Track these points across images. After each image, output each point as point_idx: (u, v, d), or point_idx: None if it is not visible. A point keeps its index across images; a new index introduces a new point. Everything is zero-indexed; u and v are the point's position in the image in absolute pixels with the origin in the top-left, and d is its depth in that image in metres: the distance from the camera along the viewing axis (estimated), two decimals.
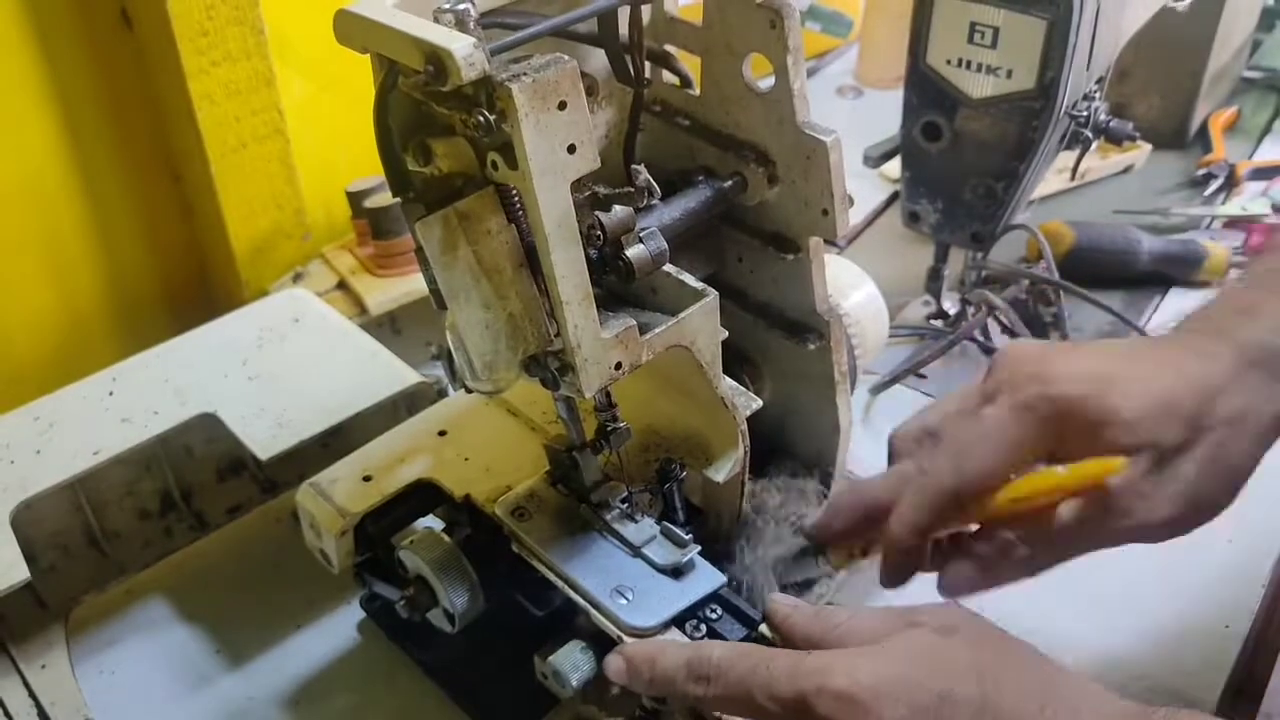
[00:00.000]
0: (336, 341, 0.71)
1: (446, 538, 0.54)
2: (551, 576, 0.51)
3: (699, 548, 0.50)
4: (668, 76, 0.55)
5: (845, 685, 0.40)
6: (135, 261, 0.87)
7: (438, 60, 0.37)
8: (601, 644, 0.49)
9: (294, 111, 0.83)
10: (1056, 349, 0.49)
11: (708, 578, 0.50)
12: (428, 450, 0.59)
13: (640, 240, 0.45)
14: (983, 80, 0.68)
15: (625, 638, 0.48)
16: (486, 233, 0.43)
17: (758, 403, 0.54)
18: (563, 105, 0.39)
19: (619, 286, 0.48)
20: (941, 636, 0.42)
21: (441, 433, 0.60)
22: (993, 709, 0.40)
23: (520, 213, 0.44)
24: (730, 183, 0.53)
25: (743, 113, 0.52)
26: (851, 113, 1.11)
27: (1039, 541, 0.46)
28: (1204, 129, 1.01)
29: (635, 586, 0.49)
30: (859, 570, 0.60)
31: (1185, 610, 0.61)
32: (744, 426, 0.53)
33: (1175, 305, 0.84)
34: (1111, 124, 0.74)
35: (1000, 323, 0.81)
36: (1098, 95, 0.73)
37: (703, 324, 0.48)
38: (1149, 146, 0.98)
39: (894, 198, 0.93)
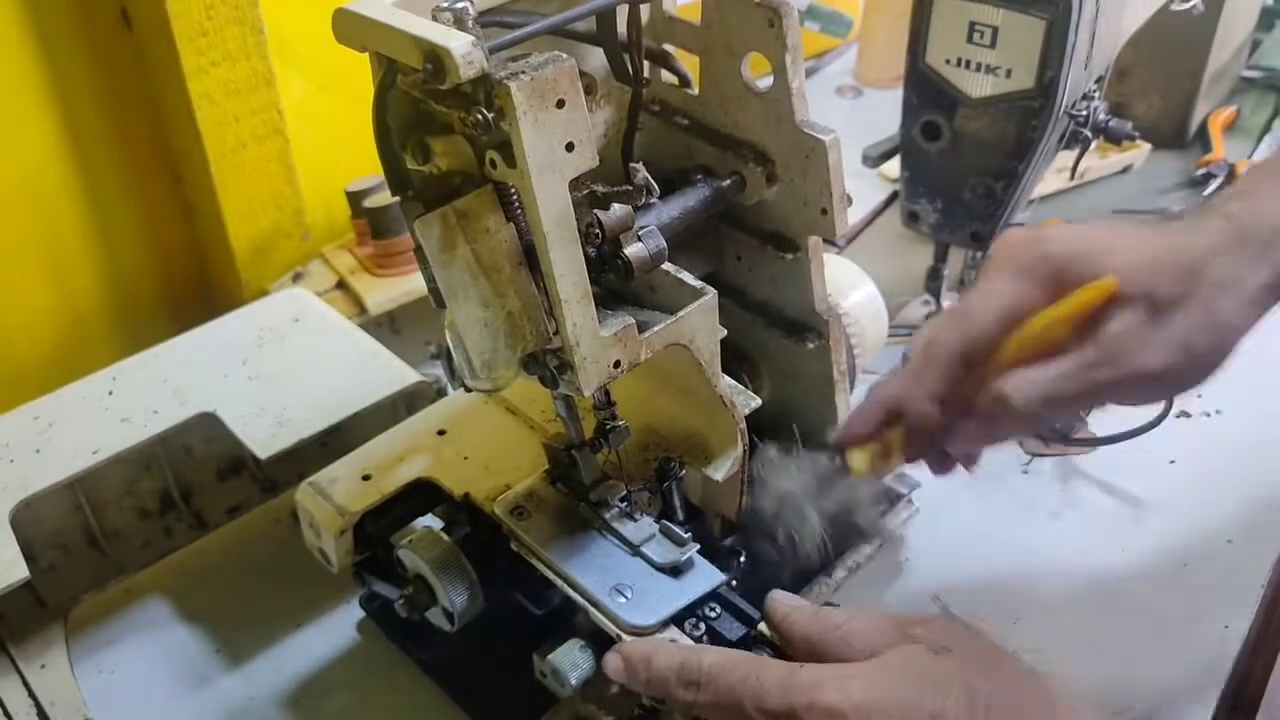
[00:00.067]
0: (336, 341, 0.71)
1: (445, 537, 0.54)
2: (551, 575, 0.51)
3: (698, 546, 0.50)
4: (666, 75, 0.55)
5: (836, 702, 0.40)
6: (135, 261, 0.87)
7: (436, 59, 0.37)
8: (601, 643, 0.48)
9: (293, 111, 0.83)
10: (1047, 225, 0.50)
11: (707, 576, 0.50)
12: (427, 449, 0.59)
13: (639, 239, 0.45)
14: (982, 80, 0.68)
15: (624, 636, 0.48)
16: (485, 231, 0.43)
17: (756, 401, 0.54)
18: (561, 103, 0.39)
19: (618, 285, 0.48)
20: (936, 655, 0.42)
21: (441, 432, 0.60)
22: None
23: (519, 211, 0.44)
24: (729, 182, 0.53)
25: (741, 112, 0.52)
26: (851, 112, 1.11)
27: (1039, 388, 0.46)
28: (1203, 128, 1.01)
29: (634, 585, 0.49)
30: (860, 569, 0.60)
31: (1185, 610, 0.60)
32: (743, 425, 0.53)
33: None
34: (1111, 123, 0.74)
35: None
36: (1097, 95, 0.73)
37: (701, 322, 0.48)
38: (1148, 146, 0.98)
39: (893, 197, 0.93)
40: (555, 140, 0.39)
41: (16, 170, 0.78)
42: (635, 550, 0.51)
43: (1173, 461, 0.70)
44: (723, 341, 0.51)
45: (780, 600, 0.47)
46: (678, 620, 0.48)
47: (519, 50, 0.40)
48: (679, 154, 0.56)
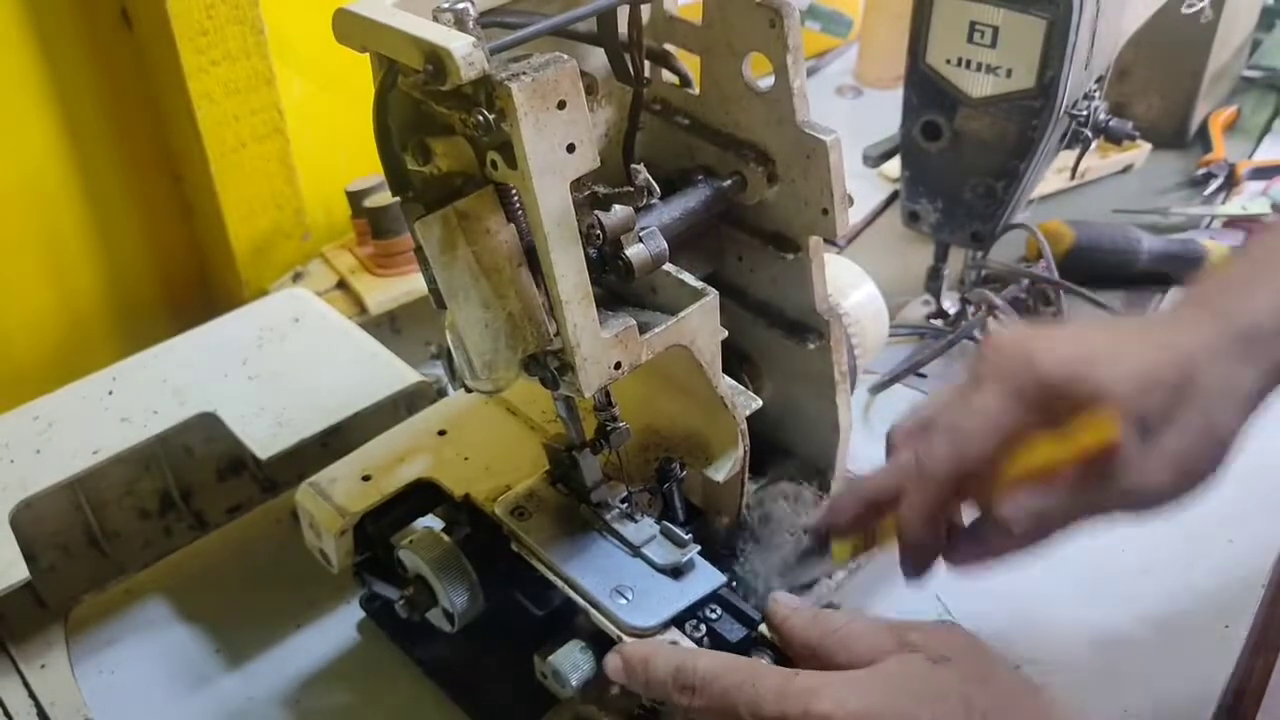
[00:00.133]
0: (337, 341, 0.71)
1: (446, 537, 0.54)
2: (551, 576, 0.51)
3: (699, 547, 0.50)
4: (667, 75, 0.55)
5: (830, 710, 0.40)
6: (135, 261, 0.87)
7: (437, 59, 0.37)
8: (601, 644, 0.48)
9: (293, 111, 0.83)
10: (1039, 332, 0.49)
11: (707, 577, 0.50)
12: (427, 449, 0.59)
13: (640, 240, 0.45)
14: (982, 79, 0.68)
15: (625, 637, 0.48)
16: (486, 232, 0.43)
17: (757, 402, 0.54)
18: (562, 104, 0.39)
19: (619, 286, 0.48)
20: (934, 664, 0.42)
21: (441, 432, 0.60)
22: None
23: (520, 212, 0.44)
24: (730, 182, 0.53)
25: (742, 112, 0.52)
26: (851, 112, 1.11)
27: (1035, 515, 0.46)
28: (1204, 128, 1.01)
29: (635, 586, 0.49)
30: (860, 568, 0.61)
31: (1185, 610, 0.60)
32: (744, 426, 0.53)
33: None
34: (1111, 123, 0.74)
35: (1000, 322, 0.81)
36: (1097, 94, 0.73)
37: (702, 323, 0.48)
38: (1149, 146, 0.98)
39: (894, 197, 0.93)
40: (556, 141, 0.39)
41: (16, 170, 0.77)
42: (636, 551, 0.51)
43: None
44: (724, 342, 0.51)
45: (781, 602, 0.47)
46: (678, 622, 0.48)
47: (520, 51, 0.40)
48: (680, 154, 0.56)
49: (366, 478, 0.57)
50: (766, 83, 0.50)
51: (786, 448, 0.63)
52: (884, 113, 0.78)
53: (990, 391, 0.46)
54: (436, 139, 0.42)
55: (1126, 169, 0.98)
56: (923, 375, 0.78)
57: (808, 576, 0.55)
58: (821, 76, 1.17)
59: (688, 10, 0.54)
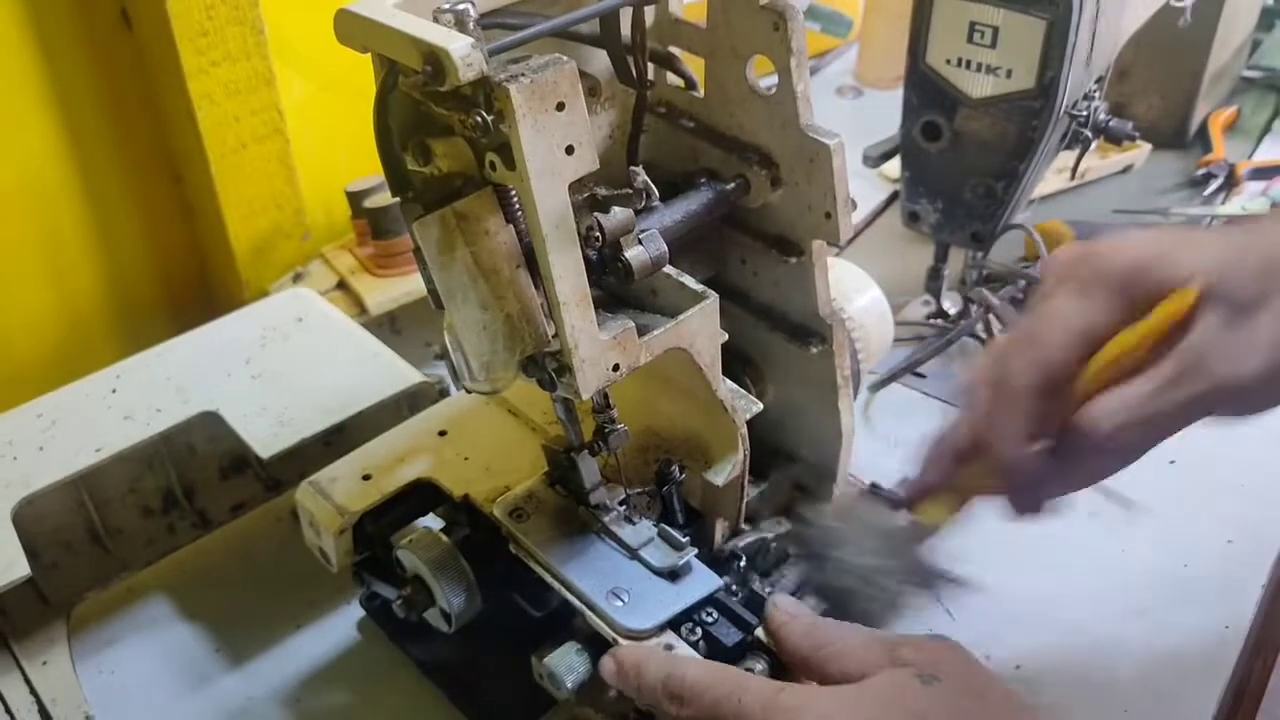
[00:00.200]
0: (339, 341, 0.71)
1: (444, 537, 0.54)
2: (548, 578, 0.51)
3: (696, 550, 0.50)
4: (672, 78, 0.55)
5: None
6: (135, 261, 0.87)
7: (436, 60, 0.37)
8: (598, 646, 0.48)
9: (294, 111, 0.83)
10: (1105, 237, 0.46)
11: (704, 581, 0.50)
12: (427, 450, 0.59)
13: (640, 242, 0.45)
14: (982, 80, 0.68)
15: (620, 640, 0.48)
16: (484, 233, 0.43)
17: (758, 406, 0.54)
18: (561, 106, 0.39)
19: (619, 288, 0.48)
20: (923, 683, 0.41)
21: (442, 432, 0.60)
22: None
23: (518, 213, 0.44)
24: (733, 185, 0.53)
25: (746, 115, 0.52)
26: (851, 113, 1.11)
27: (1122, 418, 0.41)
28: (1204, 128, 1.01)
29: (631, 589, 0.49)
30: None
31: (1185, 610, 0.61)
32: (744, 430, 0.53)
33: None
34: (1111, 123, 0.74)
35: (1000, 321, 0.81)
36: (1097, 95, 0.73)
37: (702, 326, 0.48)
38: (1149, 146, 0.98)
39: (894, 198, 0.93)
40: (555, 143, 0.39)
41: (16, 170, 0.78)
42: (633, 554, 0.51)
43: (1173, 461, 0.70)
44: (726, 345, 0.50)
45: (779, 607, 0.47)
46: (674, 624, 0.48)
47: (520, 52, 0.40)
48: (684, 157, 0.56)
49: (367, 477, 0.57)
50: (769, 82, 0.50)
51: (788, 452, 0.63)
52: (884, 113, 0.78)
53: (1062, 294, 0.43)
54: (437, 140, 0.42)
55: (1126, 169, 0.98)
56: (921, 375, 0.78)
57: (905, 559, 0.51)
58: (821, 77, 1.17)
59: (692, 12, 0.54)
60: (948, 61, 0.68)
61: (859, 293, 0.70)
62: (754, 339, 0.59)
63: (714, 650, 0.48)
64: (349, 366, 0.68)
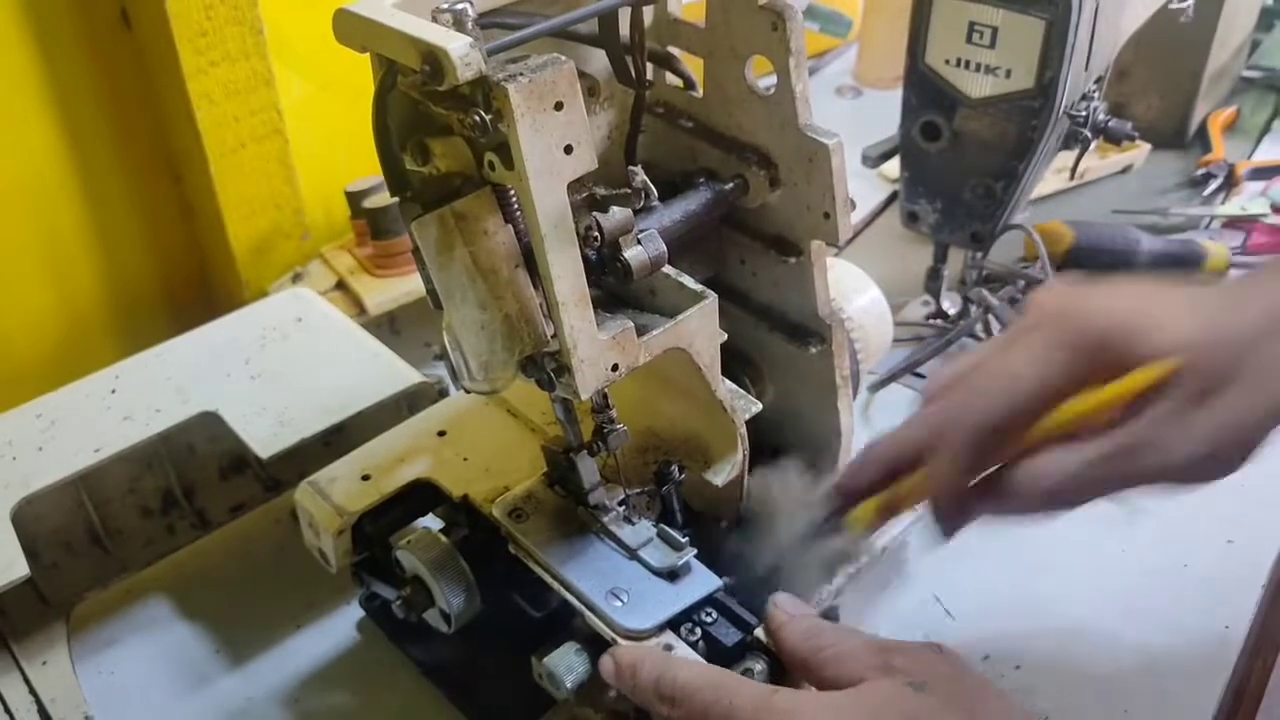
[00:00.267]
0: (339, 341, 0.71)
1: (443, 538, 0.54)
2: (547, 578, 0.51)
3: (695, 551, 0.50)
4: (671, 78, 0.55)
5: None
6: (135, 261, 0.87)
7: (434, 60, 0.38)
8: (597, 646, 0.48)
9: (293, 111, 0.83)
10: (1088, 287, 0.46)
11: (703, 581, 0.49)
12: (427, 450, 0.59)
13: (639, 242, 0.45)
14: (981, 80, 0.68)
15: (619, 640, 0.48)
16: (483, 233, 0.43)
17: (757, 406, 0.54)
18: (559, 106, 0.39)
19: (618, 288, 0.48)
20: (914, 690, 0.41)
21: (441, 433, 0.60)
22: None
23: (517, 213, 0.44)
24: (731, 185, 0.53)
25: (745, 115, 0.52)
26: (850, 113, 1.11)
27: (1059, 477, 0.43)
28: (1203, 129, 1.01)
29: (631, 589, 0.49)
30: (881, 533, 0.56)
31: (1185, 610, 0.61)
32: (743, 430, 0.53)
33: None
34: (1110, 124, 0.74)
35: (999, 321, 0.81)
36: (1096, 95, 0.73)
37: (701, 326, 0.48)
38: (1148, 146, 0.98)
39: (893, 198, 0.93)
40: (553, 143, 0.39)
41: (16, 170, 0.78)
42: (632, 554, 0.51)
43: None
44: (725, 345, 0.50)
45: (780, 606, 0.47)
46: (674, 625, 0.48)
47: (519, 52, 0.40)
48: (683, 157, 0.56)
49: (366, 477, 0.57)
50: (768, 83, 0.50)
51: (788, 452, 0.62)
52: (883, 113, 0.78)
53: (1035, 341, 0.43)
54: (435, 139, 0.42)
55: (1126, 169, 0.98)
56: (921, 375, 0.78)
57: (826, 553, 0.51)
58: (821, 77, 1.17)
59: (690, 12, 0.54)
60: (947, 61, 0.68)
61: (858, 293, 0.70)
62: (753, 339, 0.59)
63: (713, 650, 0.48)
64: (348, 366, 0.68)
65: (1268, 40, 1.11)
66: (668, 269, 0.48)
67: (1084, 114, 0.71)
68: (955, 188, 0.73)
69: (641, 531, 0.51)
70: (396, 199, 0.44)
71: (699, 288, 0.49)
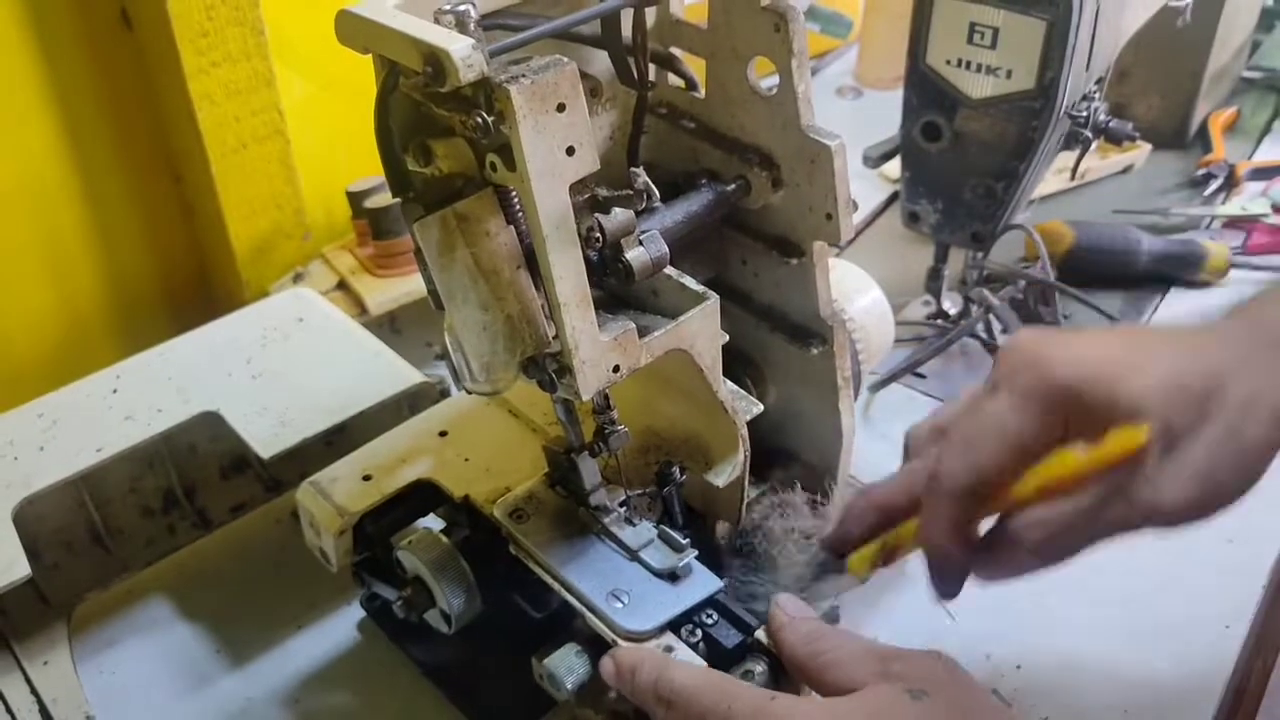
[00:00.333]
0: (340, 341, 0.71)
1: (444, 538, 0.54)
2: (548, 579, 0.51)
3: (696, 552, 0.50)
4: (673, 79, 0.55)
5: None
6: (135, 262, 0.87)
7: (436, 61, 0.38)
8: (597, 647, 0.48)
9: (294, 112, 0.83)
10: (1058, 336, 0.47)
11: (704, 582, 0.49)
12: (428, 450, 0.59)
13: (640, 243, 0.45)
14: (982, 80, 0.68)
15: (620, 641, 0.48)
16: (485, 234, 0.43)
17: (758, 407, 0.54)
18: (561, 107, 0.39)
19: (620, 289, 0.48)
20: (913, 698, 0.41)
21: (442, 433, 0.60)
22: None
23: (519, 214, 0.44)
24: (734, 186, 0.53)
25: (747, 116, 0.52)
26: (851, 113, 1.11)
27: (1051, 531, 0.44)
28: (1204, 129, 1.01)
29: (631, 590, 0.49)
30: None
31: (1185, 610, 0.61)
32: (744, 431, 0.53)
33: (1175, 305, 0.84)
34: (1111, 124, 0.74)
35: (1000, 321, 0.81)
36: (1097, 95, 0.73)
37: (703, 327, 0.48)
38: (1149, 146, 0.98)
39: (894, 198, 0.93)
40: (555, 144, 0.39)
41: (16, 170, 0.78)
42: (633, 555, 0.51)
43: None
44: (727, 346, 0.50)
45: (782, 607, 0.47)
46: (674, 626, 0.48)
47: (521, 53, 0.40)
48: (685, 158, 0.56)
49: (367, 477, 0.57)
50: (771, 83, 0.50)
51: (789, 452, 0.63)
52: (884, 113, 0.78)
53: (1005, 399, 0.44)
54: (437, 140, 0.42)
55: (1126, 170, 0.98)
56: (921, 375, 0.78)
57: (827, 591, 0.53)
58: (821, 77, 1.17)
59: (693, 13, 0.54)
60: (948, 62, 0.68)
61: (860, 293, 0.70)
62: (755, 340, 0.59)
63: (714, 652, 0.48)
64: (349, 367, 0.68)
65: (1268, 41, 1.12)
66: (669, 270, 0.48)
67: (1085, 114, 0.71)
68: (956, 188, 0.73)
69: (642, 533, 0.51)
70: (398, 199, 0.44)
71: (701, 289, 0.49)
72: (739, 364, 0.60)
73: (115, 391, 0.66)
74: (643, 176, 0.44)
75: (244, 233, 0.84)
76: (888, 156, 0.78)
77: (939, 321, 0.82)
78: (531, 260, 0.44)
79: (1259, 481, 0.43)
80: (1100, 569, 0.63)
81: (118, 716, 0.58)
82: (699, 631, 0.48)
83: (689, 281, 0.49)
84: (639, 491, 0.54)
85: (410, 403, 0.67)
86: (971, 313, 0.81)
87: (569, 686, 0.48)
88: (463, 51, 0.37)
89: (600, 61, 0.52)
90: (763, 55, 0.50)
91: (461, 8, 0.39)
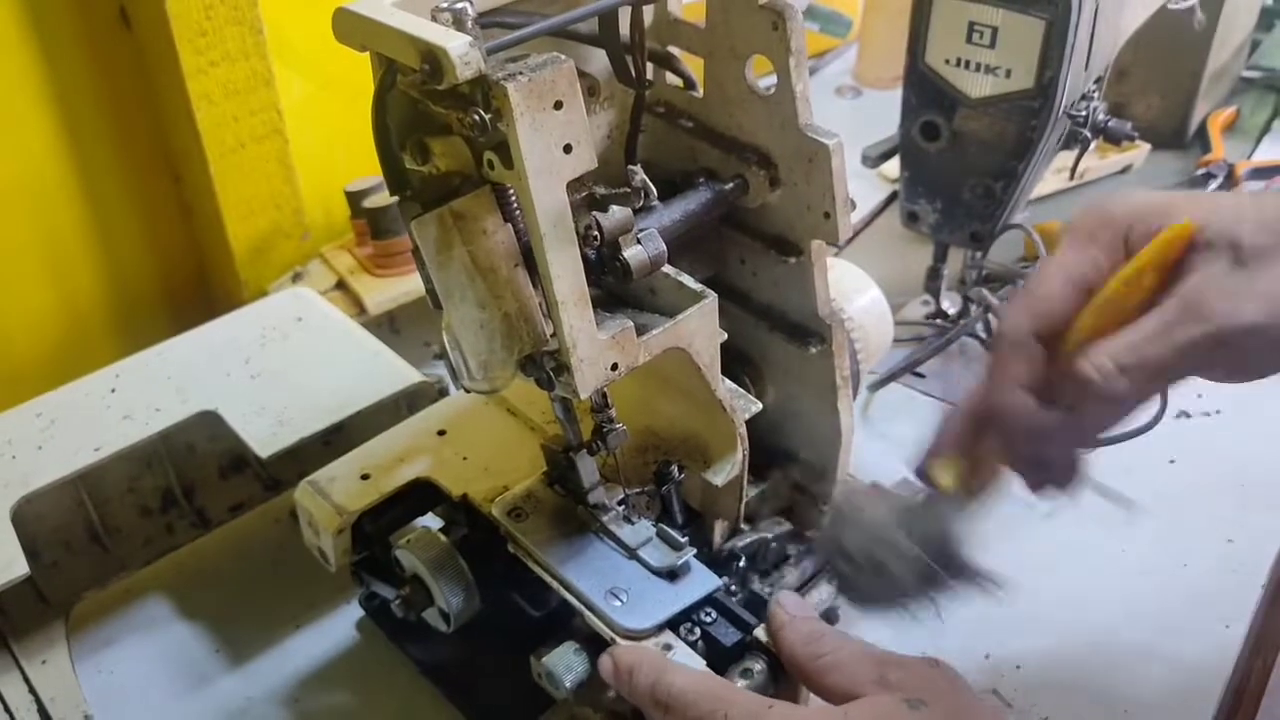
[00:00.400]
0: (339, 340, 0.71)
1: (443, 537, 0.54)
2: (547, 577, 0.51)
3: (694, 550, 0.50)
4: (671, 78, 0.55)
5: None
6: (135, 261, 0.87)
7: (433, 59, 0.37)
8: (596, 646, 0.48)
9: (292, 111, 0.83)
10: (1121, 192, 0.45)
11: (703, 581, 0.49)
12: (427, 449, 0.59)
13: (638, 241, 0.45)
14: (981, 80, 0.68)
15: (619, 640, 0.48)
16: (482, 232, 0.43)
17: (757, 406, 0.54)
18: (559, 105, 0.39)
19: (618, 287, 0.48)
20: (911, 708, 0.41)
21: (441, 432, 0.60)
22: None
23: (516, 212, 0.44)
24: (731, 185, 0.53)
25: (745, 115, 0.52)
26: (850, 113, 1.11)
27: (1121, 362, 0.40)
28: (1203, 129, 1.01)
29: (630, 589, 0.49)
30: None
31: (1185, 610, 0.61)
32: (743, 430, 0.53)
33: None
34: (1110, 123, 0.74)
35: (998, 321, 0.81)
36: (1096, 95, 0.73)
37: (701, 326, 0.48)
38: (1148, 146, 0.98)
39: (893, 198, 0.93)
40: (553, 142, 0.39)
41: (16, 170, 0.78)
42: (632, 554, 0.51)
43: (1173, 461, 0.70)
44: (725, 345, 0.50)
45: (783, 606, 0.47)
46: (673, 625, 0.48)
47: (519, 51, 0.40)
48: (683, 156, 0.56)
49: (365, 476, 0.57)
50: (769, 82, 0.50)
51: (787, 452, 0.63)
52: (883, 113, 0.78)
53: (1064, 247, 0.43)
54: (435, 138, 0.42)
55: (1126, 169, 0.98)
56: (920, 375, 0.78)
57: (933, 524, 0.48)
58: (821, 77, 1.17)
59: (691, 12, 0.54)
60: (947, 61, 0.68)
61: (859, 293, 0.70)
62: (753, 339, 0.59)
63: (712, 650, 0.48)
64: (348, 366, 0.68)
65: (1267, 40, 1.11)
66: (667, 268, 0.48)
67: (1084, 114, 0.71)
68: (955, 187, 0.73)
69: (641, 531, 0.51)
70: (396, 198, 0.44)
71: (699, 287, 0.49)
72: (737, 363, 0.60)
73: (114, 391, 0.66)
74: (640, 175, 0.44)
75: (243, 232, 0.84)
76: (887, 156, 0.78)
77: (938, 321, 0.82)
78: (529, 258, 0.44)
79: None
80: (1100, 569, 0.63)
81: (116, 716, 0.58)
82: (697, 630, 0.48)
83: (687, 280, 0.49)
84: (637, 490, 0.54)
85: (409, 402, 0.67)
86: (970, 312, 0.81)
87: (567, 685, 0.48)
88: (460, 49, 0.37)
89: (598, 60, 0.52)
90: (761, 54, 0.50)
91: (459, 5, 0.39)
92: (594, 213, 0.43)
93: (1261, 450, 0.69)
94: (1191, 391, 0.74)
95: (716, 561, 0.56)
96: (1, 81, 0.75)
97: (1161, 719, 0.56)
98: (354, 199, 0.84)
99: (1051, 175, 0.91)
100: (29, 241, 0.80)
